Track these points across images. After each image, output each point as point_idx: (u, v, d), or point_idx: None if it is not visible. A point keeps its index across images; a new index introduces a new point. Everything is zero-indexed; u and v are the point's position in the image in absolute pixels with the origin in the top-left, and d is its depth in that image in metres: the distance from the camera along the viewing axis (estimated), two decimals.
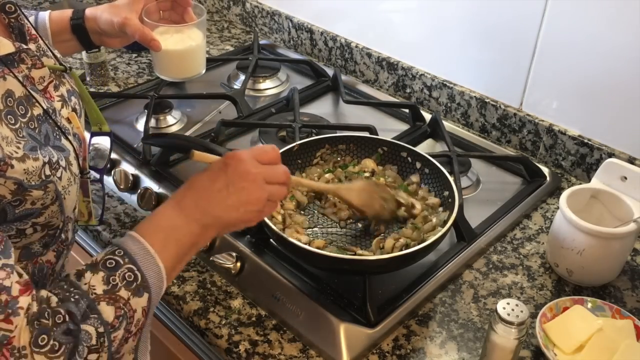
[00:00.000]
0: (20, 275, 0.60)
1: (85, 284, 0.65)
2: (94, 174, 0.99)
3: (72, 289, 0.64)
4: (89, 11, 0.98)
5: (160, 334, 1.10)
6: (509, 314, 0.77)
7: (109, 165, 0.90)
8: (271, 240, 0.99)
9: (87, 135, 0.86)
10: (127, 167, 1.17)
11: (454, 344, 0.89)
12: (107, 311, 0.64)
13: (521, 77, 1.25)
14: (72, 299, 0.63)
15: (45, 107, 0.70)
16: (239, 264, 0.98)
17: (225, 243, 1.01)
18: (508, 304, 0.78)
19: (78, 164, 0.75)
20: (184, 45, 1.03)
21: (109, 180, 1.18)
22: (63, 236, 0.77)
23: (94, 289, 0.65)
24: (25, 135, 0.66)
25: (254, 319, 0.93)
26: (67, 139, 0.73)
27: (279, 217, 0.97)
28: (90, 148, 0.88)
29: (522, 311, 0.77)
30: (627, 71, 1.09)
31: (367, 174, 1.06)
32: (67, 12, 0.99)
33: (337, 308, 0.90)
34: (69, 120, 0.76)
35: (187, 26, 1.02)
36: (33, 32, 0.77)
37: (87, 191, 0.81)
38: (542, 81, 1.23)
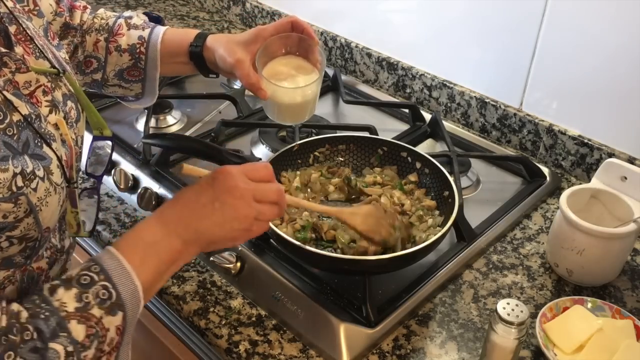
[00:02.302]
0: None
1: (57, 300, 0.63)
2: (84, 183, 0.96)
3: (43, 305, 0.62)
4: (209, 40, 0.95)
5: (160, 334, 1.10)
6: (509, 314, 0.77)
7: (106, 173, 0.87)
8: (271, 240, 0.99)
9: (87, 139, 0.83)
10: (127, 167, 1.17)
11: (454, 344, 0.89)
12: (78, 330, 0.62)
13: (521, 77, 1.25)
14: (42, 316, 0.61)
15: (25, 113, 0.66)
16: (239, 264, 0.98)
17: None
18: (508, 304, 0.78)
19: (64, 173, 0.71)
20: (294, 99, 0.93)
21: (108, 181, 1.18)
22: (54, 243, 0.75)
23: (65, 307, 0.63)
24: None
25: (254, 319, 0.93)
26: (49, 146, 0.69)
27: None
28: (91, 153, 0.85)
29: (522, 311, 0.77)
30: (627, 71, 1.09)
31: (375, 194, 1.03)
32: (188, 35, 0.97)
33: (337, 308, 0.90)
34: (56, 127, 0.72)
35: (303, 76, 0.94)
36: (29, 33, 0.74)
37: (74, 201, 0.77)
38: (542, 81, 1.23)
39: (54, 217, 0.70)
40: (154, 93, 1.03)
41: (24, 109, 0.67)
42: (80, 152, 0.80)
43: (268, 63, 0.93)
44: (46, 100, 0.71)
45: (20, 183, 0.62)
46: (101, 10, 1.02)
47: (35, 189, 0.64)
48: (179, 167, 0.75)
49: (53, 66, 0.74)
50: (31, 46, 0.73)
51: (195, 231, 0.72)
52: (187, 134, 1.31)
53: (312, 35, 0.93)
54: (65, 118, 0.74)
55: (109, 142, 0.86)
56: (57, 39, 0.83)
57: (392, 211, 0.95)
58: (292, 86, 0.92)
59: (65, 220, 0.79)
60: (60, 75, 0.75)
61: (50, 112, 0.71)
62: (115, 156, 1.20)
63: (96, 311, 0.64)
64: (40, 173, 0.66)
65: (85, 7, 1.00)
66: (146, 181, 1.14)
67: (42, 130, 0.68)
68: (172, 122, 1.33)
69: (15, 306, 0.62)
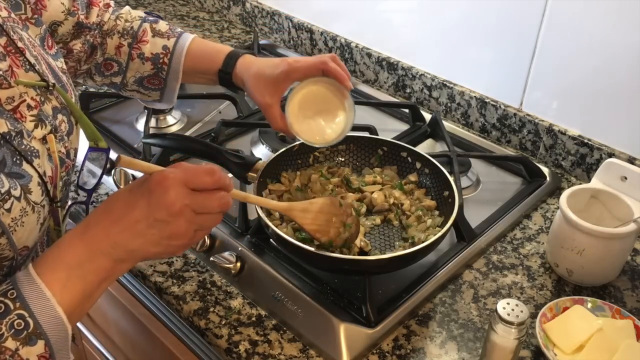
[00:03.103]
0: None
1: None
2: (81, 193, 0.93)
3: None
4: (239, 68, 0.95)
5: (160, 334, 1.10)
6: (509, 314, 0.77)
7: (97, 187, 0.84)
8: (271, 240, 0.99)
9: (81, 152, 0.79)
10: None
11: (454, 344, 0.89)
12: None
13: (521, 77, 1.25)
14: None
15: (4, 131, 0.64)
16: (239, 264, 0.98)
17: (225, 243, 1.01)
18: (508, 304, 0.78)
19: (46, 191, 0.67)
20: (321, 140, 0.94)
21: (108, 181, 1.18)
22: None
23: None
24: None
25: (254, 319, 0.93)
26: (30, 163, 0.65)
27: (277, 214, 0.97)
28: (85, 164, 0.79)
29: (522, 311, 0.77)
30: (627, 71, 1.09)
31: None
32: (216, 57, 0.96)
33: (337, 308, 0.90)
34: (44, 141, 0.69)
35: (330, 122, 0.95)
36: (20, 45, 0.71)
37: (57, 220, 0.72)
38: (542, 81, 1.23)
39: (31, 237, 0.67)
40: (171, 101, 1.04)
41: (4, 126, 0.64)
42: (74, 165, 0.78)
43: (296, 96, 0.93)
44: (31, 115, 0.68)
45: None
46: (126, 9, 1.00)
47: (9, 210, 0.62)
48: (116, 160, 0.67)
49: (43, 79, 0.71)
50: (21, 58, 0.70)
51: (126, 250, 0.66)
52: (187, 134, 1.31)
53: (344, 81, 0.90)
54: (55, 132, 0.71)
55: (104, 154, 0.78)
56: (55, 48, 0.81)
57: (349, 205, 0.93)
58: (319, 137, 0.94)
59: (50, 239, 0.76)
60: (50, 88, 0.72)
61: (36, 126, 0.68)
62: (115, 156, 1.19)
63: (10, 343, 0.59)
64: (17, 192, 0.63)
65: (107, 5, 0.98)
66: None
67: (23, 147, 0.66)
68: (172, 122, 1.33)
69: None
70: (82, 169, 0.78)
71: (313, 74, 0.91)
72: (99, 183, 0.77)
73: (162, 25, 1.00)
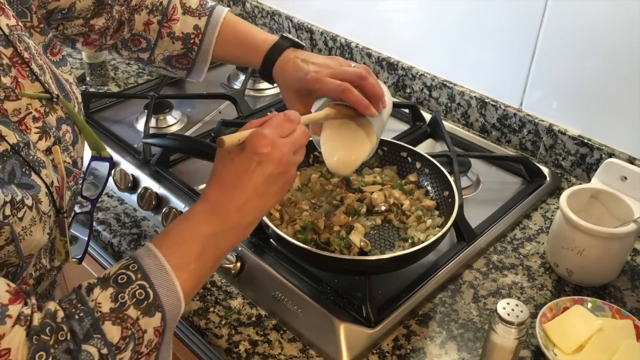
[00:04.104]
0: (8, 285, 0.58)
1: (93, 300, 0.61)
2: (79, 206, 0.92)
3: (79, 305, 0.61)
4: (275, 73, 0.92)
5: None
6: (509, 314, 0.77)
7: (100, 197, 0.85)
8: (271, 240, 0.99)
9: (86, 159, 0.80)
10: (127, 167, 1.17)
11: (454, 344, 0.89)
12: (112, 331, 0.60)
13: (521, 77, 1.25)
14: (77, 316, 0.60)
15: (13, 142, 0.64)
16: (239, 264, 0.98)
17: None
18: (508, 304, 0.78)
19: (53, 201, 0.68)
20: (348, 158, 0.89)
21: (108, 181, 1.18)
22: (44, 264, 0.74)
23: (100, 307, 0.61)
24: None
25: (254, 319, 0.93)
26: (38, 174, 0.66)
27: (277, 214, 0.97)
28: (88, 174, 0.80)
29: (522, 311, 0.77)
30: (627, 71, 1.09)
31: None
32: (255, 52, 0.93)
33: (337, 308, 0.90)
34: (48, 152, 0.69)
35: (355, 147, 0.89)
36: (26, 55, 0.70)
37: (63, 230, 0.73)
38: (542, 81, 1.23)
39: (38, 246, 0.68)
40: (198, 79, 1.02)
41: (12, 137, 0.64)
42: (81, 173, 0.77)
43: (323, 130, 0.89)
44: (36, 127, 0.68)
45: (7, 212, 0.60)
46: None
47: (21, 218, 0.62)
48: (220, 142, 0.69)
49: (47, 90, 0.71)
50: (27, 69, 0.70)
51: (253, 212, 0.71)
52: (187, 134, 1.31)
53: (364, 110, 0.84)
54: (59, 142, 0.71)
55: (106, 164, 0.81)
56: (61, 55, 0.80)
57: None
58: (343, 158, 0.89)
59: (55, 246, 0.76)
60: (54, 100, 0.72)
61: (40, 138, 0.69)
62: (115, 156, 1.20)
63: (132, 312, 0.62)
64: (29, 202, 0.64)
65: None
66: (146, 181, 1.14)
67: (31, 157, 0.66)
68: (172, 122, 1.33)
69: (52, 305, 0.61)
70: (85, 178, 0.78)
71: (334, 95, 0.85)
72: (102, 192, 0.79)
73: (192, 1, 0.97)
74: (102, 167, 0.80)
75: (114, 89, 1.49)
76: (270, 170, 0.70)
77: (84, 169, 0.79)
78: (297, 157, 0.73)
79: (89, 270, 1.28)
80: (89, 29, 0.92)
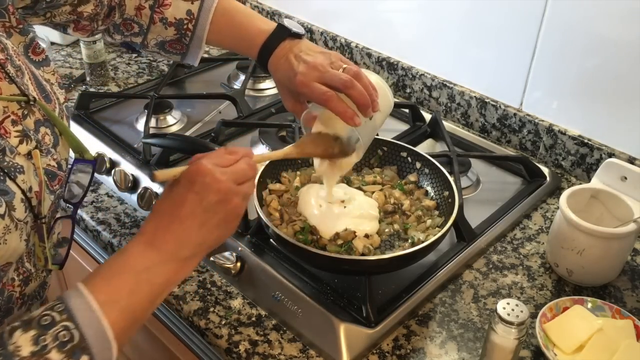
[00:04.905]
0: None
1: (12, 344, 0.57)
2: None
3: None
4: (270, 67, 0.90)
5: (160, 334, 1.10)
6: (509, 314, 0.77)
7: (83, 200, 0.81)
8: (271, 240, 0.99)
9: (71, 161, 0.77)
10: (127, 167, 1.17)
11: (454, 344, 0.89)
12: None
13: (521, 77, 1.25)
14: None
15: None
16: (239, 264, 0.98)
17: (225, 243, 1.01)
18: (508, 304, 0.78)
19: (30, 207, 0.66)
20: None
21: (108, 181, 1.18)
22: (28, 268, 0.72)
23: (19, 351, 0.57)
24: None
25: (254, 319, 0.93)
26: (13, 180, 0.64)
27: (277, 214, 0.97)
28: (72, 176, 0.78)
29: (522, 311, 0.77)
30: (628, 71, 1.09)
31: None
32: (250, 42, 0.91)
33: (337, 308, 0.90)
34: (29, 156, 0.67)
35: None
36: (0, 56, 0.68)
37: (42, 236, 0.71)
38: (542, 81, 1.23)
39: (15, 254, 0.66)
40: (193, 63, 1.00)
41: None
42: (66, 176, 0.76)
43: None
44: (16, 130, 0.66)
45: None
46: None
47: None
48: (153, 177, 0.70)
49: (23, 93, 0.69)
50: (3, 71, 0.68)
51: (192, 245, 0.68)
52: (187, 134, 1.31)
53: (347, 120, 0.80)
54: (40, 145, 0.70)
55: (90, 166, 0.77)
56: (43, 55, 0.78)
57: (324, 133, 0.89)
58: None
59: (33, 254, 0.74)
60: (31, 103, 0.70)
61: (21, 142, 0.67)
62: (115, 156, 1.20)
63: (55, 355, 0.58)
64: (1, 210, 0.61)
65: None
66: (146, 181, 1.14)
67: (6, 163, 0.64)
68: (172, 122, 1.33)
69: None
70: (67, 181, 0.77)
71: (317, 100, 0.83)
72: (85, 195, 0.77)
73: None
74: (85, 169, 0.78)
75: (114, 89, 1.49)
76: (209, 198, 0.67)
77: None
78: (243, 188, 0.71)
79: (89, 271, 1.28)
80: (78, 16, 0.90)
